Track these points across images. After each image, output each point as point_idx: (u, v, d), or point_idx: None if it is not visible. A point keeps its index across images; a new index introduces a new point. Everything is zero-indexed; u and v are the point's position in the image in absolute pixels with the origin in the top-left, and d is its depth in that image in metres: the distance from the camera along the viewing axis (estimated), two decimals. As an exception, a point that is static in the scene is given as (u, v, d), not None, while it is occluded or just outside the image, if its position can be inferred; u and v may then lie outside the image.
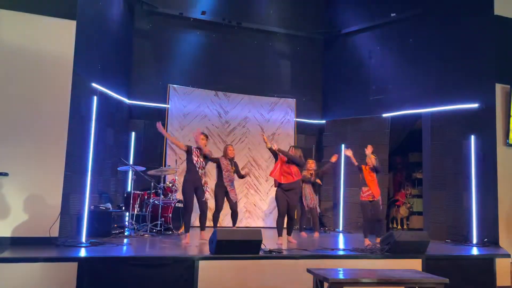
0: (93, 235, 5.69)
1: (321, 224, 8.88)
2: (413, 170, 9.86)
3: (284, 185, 6.37)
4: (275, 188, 6.49)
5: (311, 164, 7.97)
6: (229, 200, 6.92)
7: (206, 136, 6.42)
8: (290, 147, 6.71)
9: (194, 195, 6.13)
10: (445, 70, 7.80)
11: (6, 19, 5.36)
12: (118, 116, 8.03)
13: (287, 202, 6.36)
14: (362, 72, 9.22)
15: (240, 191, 8.67)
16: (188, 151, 6.22)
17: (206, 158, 6.32)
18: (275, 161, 6.53)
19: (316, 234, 7.79)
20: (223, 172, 6.87)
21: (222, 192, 6.85)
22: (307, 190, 7.79)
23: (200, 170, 6.15)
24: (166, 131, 8.70)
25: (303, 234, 7.72)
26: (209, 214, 8.41)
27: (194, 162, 6.13)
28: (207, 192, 6.15)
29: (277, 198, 6.43)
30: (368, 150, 6.89)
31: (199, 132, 6.31)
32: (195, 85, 9.13)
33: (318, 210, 8.11)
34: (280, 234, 6.41)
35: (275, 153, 6.46)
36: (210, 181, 6.86)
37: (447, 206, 7.55)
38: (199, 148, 6.23)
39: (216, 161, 6.90)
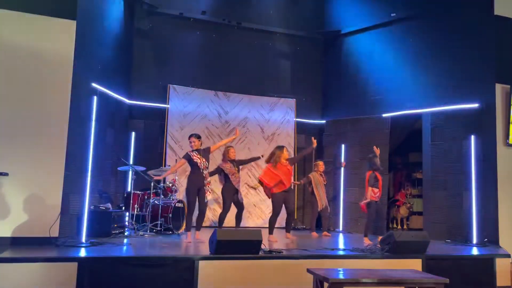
0: (93, 235, 5.68)
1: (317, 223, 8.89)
2: (413, 170, 9.86)
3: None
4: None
5: (322, 166, 8.00)
6: (237, 200, 6.90)
7: (198, 137, 6.25)
8: (276, 149, 6.75)
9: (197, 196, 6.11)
10: (445, 70, 7.78)
11: (6, 19, 5.36)
12: (118, 116, 8.02)
13: (285, 201, 6.44)
14: (362, 72, 9.20)
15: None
16: (189, 160, 6.13)
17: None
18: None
19: (325, 234, 7.78)
20: (230, 176, 6.84)
21: (231, 194, 6.82)
22: (321, 190, 7.79)
23: (204, 171, 6.11)
24: (166, 131, 8.71)
25: (314, 234, 7.74)
26: (209, 214, 8.41)
27: (199, 164, 6.09)
28: (207, 193, 6.13)
29: (276, 198, 6.45)
30: (377, 151, 7.11)
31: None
32: (195, 85, 9.12)
33: (329, 209, 8.14)
34: (271, 232, 6.52)
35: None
36: (213, 182, 6.82)
37: (447, 206, 7.54)
38: (197, 150, 6.16)
39: (220, 171, 6.89)
